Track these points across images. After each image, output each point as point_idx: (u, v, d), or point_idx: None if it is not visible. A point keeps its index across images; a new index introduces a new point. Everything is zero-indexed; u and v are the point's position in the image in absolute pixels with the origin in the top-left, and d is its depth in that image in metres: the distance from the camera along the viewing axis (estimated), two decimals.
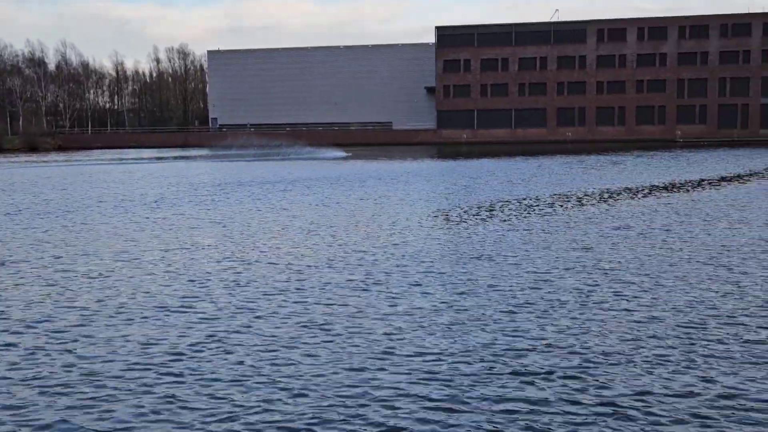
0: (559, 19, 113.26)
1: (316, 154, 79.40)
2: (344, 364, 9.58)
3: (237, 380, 9.08)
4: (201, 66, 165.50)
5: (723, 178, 40.15)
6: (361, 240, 19.57)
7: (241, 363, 9.69)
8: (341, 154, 79.57)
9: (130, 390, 8.82)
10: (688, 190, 33.29)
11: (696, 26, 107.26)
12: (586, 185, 36.26)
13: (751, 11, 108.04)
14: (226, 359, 9.86)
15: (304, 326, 11.33)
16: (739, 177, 41.19)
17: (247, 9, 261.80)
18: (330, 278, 14.76)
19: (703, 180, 39.28)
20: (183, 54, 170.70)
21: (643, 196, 30.72)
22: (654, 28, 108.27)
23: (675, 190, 33.68)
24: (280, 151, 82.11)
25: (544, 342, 10.32)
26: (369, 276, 14.88)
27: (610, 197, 30.56)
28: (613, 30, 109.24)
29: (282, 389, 8.73)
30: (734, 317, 11.47)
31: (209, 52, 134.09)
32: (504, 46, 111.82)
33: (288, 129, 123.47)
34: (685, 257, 16.41)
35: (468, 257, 16.79)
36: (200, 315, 12.16)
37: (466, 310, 12.12)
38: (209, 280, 14.81)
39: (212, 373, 9.35)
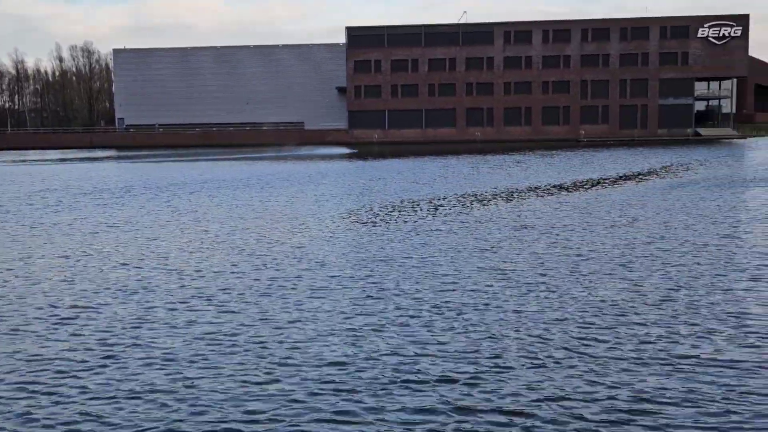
0: (467, 21, 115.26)
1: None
2: (244, 374, 9.65)
3: (135, 396, 9.02)
4: (107, 65, 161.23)
5: (622, 177, 41.75)
6: (266, 243, 19.58)
7: (136, 376, 9.63)
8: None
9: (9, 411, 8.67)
10: (587, 189, 34.49)
11: (597, 29, 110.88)
12: (490, 185, 37.12)
13: (648, 15, 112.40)
14: (121, 373, 9.78)
15: (202, 337, 11.31)
16: (638, 175, 42.91)
17: (154, 7, 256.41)
18: (232, 284, 14.74)
19: (603, 179, 40.74)
20: (87, 52, 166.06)
21: (544, 196, 31.68)
22: (558, 31, 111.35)
23: (575, 188, 34.84)
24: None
25: (444, 346, 10.60)
26: (273, 281, 14.93)
27: (512, 197, 31.39)
28: (519, 32, 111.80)
29: (179, 400, 8.74)
30: (630, 316, 12.03)
31: (115, 50, 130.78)
32: (414, 47, 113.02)
33: (198, 129, 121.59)
34: (584, 256, 17.06)
35: (373, 261, 17.03)
36: (92, 326, 11.96)
37: (371, 315, 12.33)
38: (105, 287, 14.58)
39: (106, 388, 9.26)
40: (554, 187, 36.45)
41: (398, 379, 9.32)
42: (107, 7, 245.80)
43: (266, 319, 12.25)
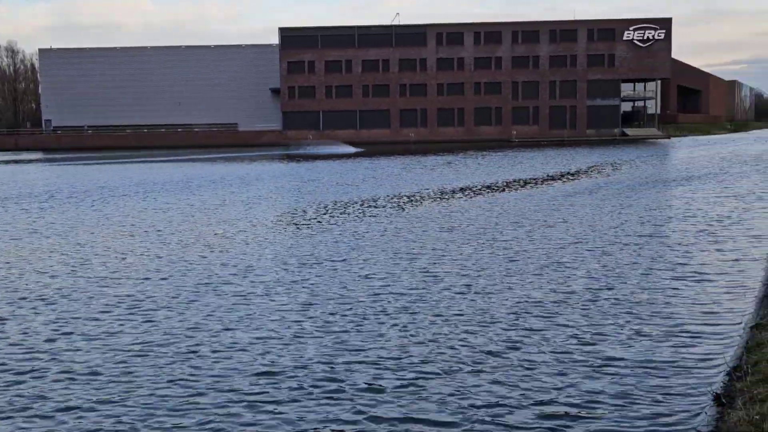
0: (400, 23, 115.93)
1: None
2: (169, 386, 9.60)
3: (49, 414, 8.90)
4: (32, 65, 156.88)
5: (551, 177, 42.62)
6: (194, 249, 19.42)
7: (53, 392, 9.50)
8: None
9: None
10: (517, 189, 35.12)
11: (528, 32, 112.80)
12: (422, 186, 37.48)
13: (576, 18, 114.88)
14: (36, 390, 9.62)
15: (125, 348, 11.19)
16: (567, 174, 43.87)
17: (80, 6, 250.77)
18: (156, 292, 14.59)
19: (533, 179, 41.54)
20: (11, 52, 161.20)
21: (473, 196, 32.14)
22: (489, 33, 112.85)
23: (504, 189, 35.43)
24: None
25: (372, 352, 10.72)
26: (200, 288, 14.84)
27: (441, 198, 31.76)
28: (451, 34, 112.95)
29: (100, 417, 8.67)
30: (556, 317, 12.36)
31: (40, 50, 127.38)
32: (347, 48, 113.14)
33: (128, 131, 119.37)
34: (513, 257, 17.41)
35: (302, 265, 17.07)
36: (4, 339, 11.74)
37: (298, 322, 12.38)
38: (21, 297, 14.28)
39: (19, 405, 9.12)
40: (484, 187, 37.01)
41: (325, 388, 9.40)
42: (30, 5, 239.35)
43: (194, 327, 12.19)
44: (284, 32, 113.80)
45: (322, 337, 11.49)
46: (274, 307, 13.43)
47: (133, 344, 11.34)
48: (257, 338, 11.51)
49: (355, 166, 56.70)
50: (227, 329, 12.05)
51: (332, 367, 10.09)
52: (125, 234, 23.08)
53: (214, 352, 10.89)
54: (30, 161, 78.50)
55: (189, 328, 12.14)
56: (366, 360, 10.37)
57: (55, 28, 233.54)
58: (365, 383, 9.49)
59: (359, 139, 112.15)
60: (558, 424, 8.20)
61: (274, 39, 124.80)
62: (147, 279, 16.02)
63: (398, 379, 9.64)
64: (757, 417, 7.18)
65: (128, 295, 14.52)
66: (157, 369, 10.18)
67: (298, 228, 23.83)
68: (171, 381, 9.70)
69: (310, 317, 12.68)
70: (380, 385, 9.41)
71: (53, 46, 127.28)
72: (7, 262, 18.44)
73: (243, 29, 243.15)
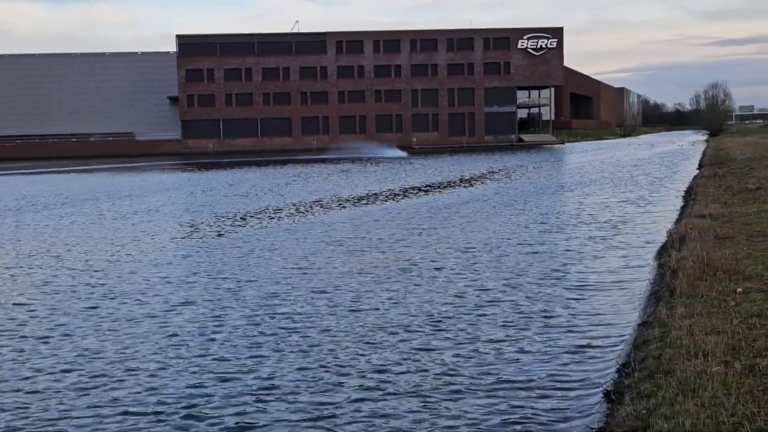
0: (300, 31, 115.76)
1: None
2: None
3: None
4: None
5: (449, 183, 43.40)
6: (78, 267, 18.91)
7: None
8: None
9: None
10: (415, 196, 35.60)
11: (426, 40, 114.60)
12: (318, 195, 37.53)
13: (473, 27, 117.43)
14: None
15: (5, 379, 10.87)
16: (468, 180, 44.78)
17: None
18: (37, 316, 14.18)
19: (429, 185, 42.17)
20: None
21: (367, 204, 32.42)
22: (388, 41, 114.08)
23: (400, 196, 35.86)
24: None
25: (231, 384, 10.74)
26: (86, 311, 14.51)
27: (332, 207, 31.91)
28: (351, 42, 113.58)
29: None
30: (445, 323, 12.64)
31: None
32: (247, 56, 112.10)
33: (19, 141, 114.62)
34: (408, 267, 17.67)
35: (183, 283, 16.90)
36: None
37: (177, 347, 12.27)
38: None
39: None
40: (374, 195, 37.29)
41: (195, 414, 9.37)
42: None
43: (83, 354, 11.92)
44: (182, 39, 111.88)
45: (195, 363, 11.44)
46: (156, 330, 13.27)
47: (14, 374, 11.01)
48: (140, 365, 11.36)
49: (247, 175, 56.18)
50: (117, 356, 11.83)
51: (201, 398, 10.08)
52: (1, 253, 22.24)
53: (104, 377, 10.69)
54: None
55: (79, 356, 11.87)
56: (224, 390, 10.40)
57: None
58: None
59: (261, 147, 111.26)
60: None
61: (170, 47, 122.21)
62: (26, 304, 15.53)
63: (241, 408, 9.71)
64: (644, 411, 7.57)
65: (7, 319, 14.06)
66: (41, 402, 9.93)
67: (190, 242, 23.53)
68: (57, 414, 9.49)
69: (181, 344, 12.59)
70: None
71: None
72: None
73: (137, 36, 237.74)
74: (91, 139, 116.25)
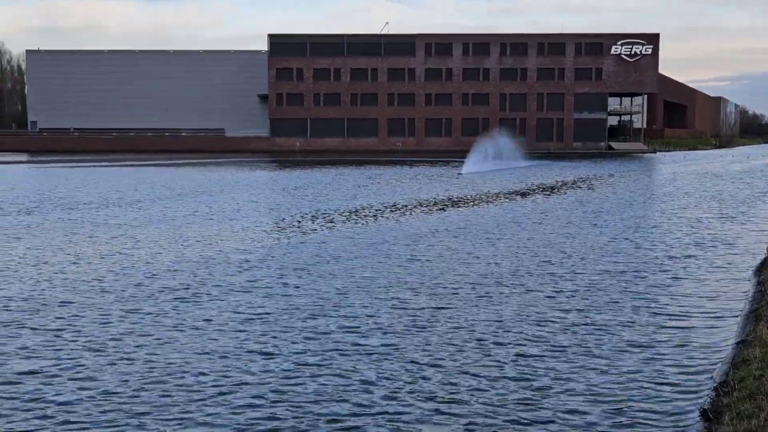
0: (389, 32, 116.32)
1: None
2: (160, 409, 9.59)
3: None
4: (18, 66, 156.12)
5: (541, 188, 42.80)
6: (169, 257, 19.38)
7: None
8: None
9: None
10: (498, 202, 35.25)
11: (516, 44, 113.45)
12: (418, 196, 37.57)
13: (565, 32, 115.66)
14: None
15: (124, 358, 11.19)
16: (553, 188, 44.08)
17: (63, 8, 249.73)
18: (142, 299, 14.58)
19: (515, 191, 41.68)
20: None
21: (444, 209, 32.23)
22: (478, 44, 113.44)
23: (481, 201, 35.55)
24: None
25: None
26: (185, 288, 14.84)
27: (419, 209, 31.84)
28: (440, 44, 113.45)
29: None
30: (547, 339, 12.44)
31: (28, 51, 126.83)
32: (336, 57, 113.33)
33: (115, 134, 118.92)
34: (488, 273, 17.50)
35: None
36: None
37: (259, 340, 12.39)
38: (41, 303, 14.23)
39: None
40: (454, 199, 37.09)
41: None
42: (16, 6, 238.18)
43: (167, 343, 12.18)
44: (273, 39, 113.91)
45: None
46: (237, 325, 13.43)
47: (124, 354, 11.31)
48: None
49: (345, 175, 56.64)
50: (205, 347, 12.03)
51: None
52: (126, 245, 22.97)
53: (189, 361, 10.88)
54: (16, 163, 78.02)
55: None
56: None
57: (42, 29, 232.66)
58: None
59: (346, 147, 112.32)
60: None
61: (260, 45, 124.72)
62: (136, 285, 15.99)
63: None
64: None
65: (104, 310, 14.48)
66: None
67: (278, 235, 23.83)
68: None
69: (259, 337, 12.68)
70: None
71: (40, 48, 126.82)
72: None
73: (228, 35, 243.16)
74: (183, 134, 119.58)
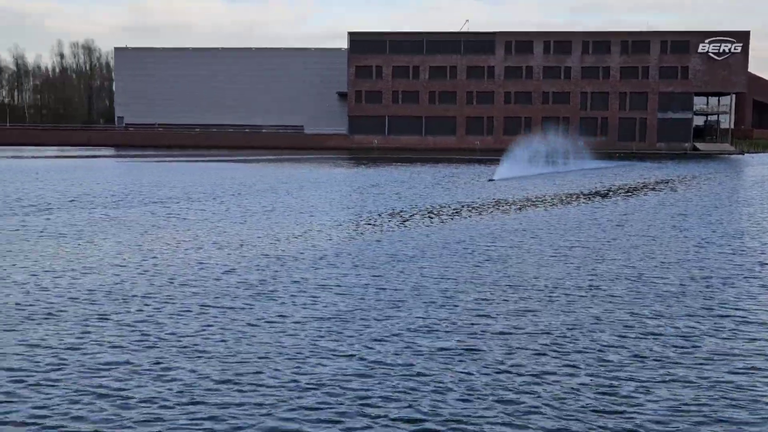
0: (469, 30, 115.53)
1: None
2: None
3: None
4: (107, 63, 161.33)
5: (617, 189, 41.77)
6: (265, 250, 19.59)
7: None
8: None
9: None
10: (588, 200, 34.53)
11: (598, 42, 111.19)
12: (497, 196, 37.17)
13: (650, 29, 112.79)
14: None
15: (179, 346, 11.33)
16: (636, 189, 42.94)
17: (152, 6, 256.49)
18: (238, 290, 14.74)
19: (595, 192, 40.75)
20: (88, 50, 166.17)
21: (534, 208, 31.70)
22: (559, 42, 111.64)
23: (570, 200, 34.85)
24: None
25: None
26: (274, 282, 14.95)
27: (497, 208, 31.41)
28: (520, 42, 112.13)
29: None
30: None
31: (116, 49, 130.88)
32: (415, 54, 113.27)
33: (197, 130, 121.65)
34: (596, 273, 17.09)
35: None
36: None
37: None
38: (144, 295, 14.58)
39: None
40: (531, 199, 36.48)
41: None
42: (105, 5, 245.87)
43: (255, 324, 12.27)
44: (353, 37, 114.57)
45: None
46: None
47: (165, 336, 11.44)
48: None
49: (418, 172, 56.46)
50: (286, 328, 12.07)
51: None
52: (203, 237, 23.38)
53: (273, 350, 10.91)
54: (104, 156, 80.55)
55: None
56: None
57: (128, 27, 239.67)
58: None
59: (424, 145, 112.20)
60: None
61: (340, 43, 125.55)
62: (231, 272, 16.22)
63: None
64: None
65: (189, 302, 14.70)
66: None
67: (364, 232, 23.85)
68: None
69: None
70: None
71: (128, 45, 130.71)
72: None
73: (310, 33, 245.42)
74: (263, 130, 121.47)
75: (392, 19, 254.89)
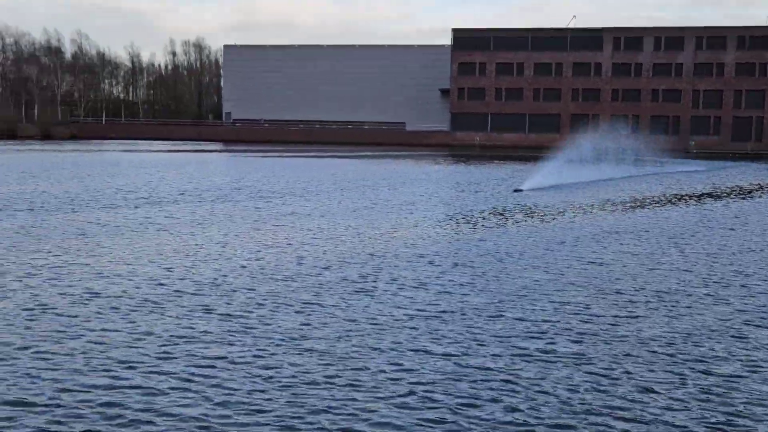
0: (576, 26, 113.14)
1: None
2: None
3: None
4: (216, 60, 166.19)
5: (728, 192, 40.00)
6: (369, 244, 19.66)
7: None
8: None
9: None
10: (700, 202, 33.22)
11: (713, 37, 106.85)
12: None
13: None
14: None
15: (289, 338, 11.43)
16: (748, 192, 41.06)
17: (260, 5, 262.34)
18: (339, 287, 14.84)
19: (707, 194, 39.14)
20: (199, 48, 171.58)
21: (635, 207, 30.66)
22: (670, 38, 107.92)
23: (683, 202, 33.58)
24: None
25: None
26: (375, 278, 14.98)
27: (624, 208, 30.52)
28: (629, 38, 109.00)
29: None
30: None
31: (225, 46, 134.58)
32: (519, 51, 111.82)
33: (301, 126, 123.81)
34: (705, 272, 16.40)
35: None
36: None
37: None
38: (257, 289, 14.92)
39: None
40: (638, 199, 35.27)
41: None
42: (215, 4, 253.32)
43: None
44: (457, 33, 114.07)
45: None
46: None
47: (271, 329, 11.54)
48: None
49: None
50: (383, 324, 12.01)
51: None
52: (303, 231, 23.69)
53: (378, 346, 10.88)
54: (215, 151, 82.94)
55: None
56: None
57: (237, 25, 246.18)
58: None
59: (527, 143, 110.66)
60: None
61: (444, 40, 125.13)
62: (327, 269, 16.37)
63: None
64: None
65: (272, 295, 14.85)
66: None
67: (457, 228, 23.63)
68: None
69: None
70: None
71: (237, 43, 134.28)
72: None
73: (411, 29, 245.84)
74: (365, 127, 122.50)
75: (497, 15, 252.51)
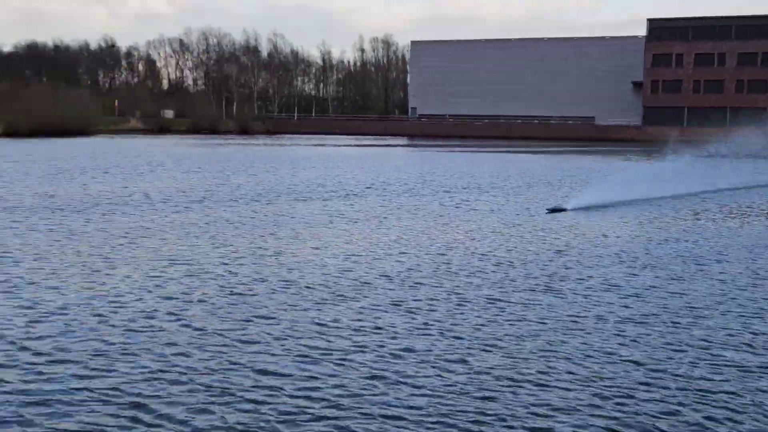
0: None
1: None
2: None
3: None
4: (402, 56, 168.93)
5: None
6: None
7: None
8: None
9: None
10: None
11: None
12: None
13: None
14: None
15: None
16: None
17: (445, 0, 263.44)
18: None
19: None
20: (386, 44, 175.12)
21: None
22: None
23: None
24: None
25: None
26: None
27: None
28: None
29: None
30: None
31: (412, 42, 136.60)
32: (722, 41, 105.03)
33: (486, 121, 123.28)
34: None
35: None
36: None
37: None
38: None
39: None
40: None
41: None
42: (403, 0, 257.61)
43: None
44: (652, 23, 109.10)
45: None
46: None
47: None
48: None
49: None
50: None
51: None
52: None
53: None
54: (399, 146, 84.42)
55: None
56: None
57: (424, 20, 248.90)
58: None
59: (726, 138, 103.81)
60: None
61: (633, 30, 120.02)
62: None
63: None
64: None
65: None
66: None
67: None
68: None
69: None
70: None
71: (423, 38, 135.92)
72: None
73: (600, 20, 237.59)
74: (552, 121, 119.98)
75: (693, 3, 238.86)
